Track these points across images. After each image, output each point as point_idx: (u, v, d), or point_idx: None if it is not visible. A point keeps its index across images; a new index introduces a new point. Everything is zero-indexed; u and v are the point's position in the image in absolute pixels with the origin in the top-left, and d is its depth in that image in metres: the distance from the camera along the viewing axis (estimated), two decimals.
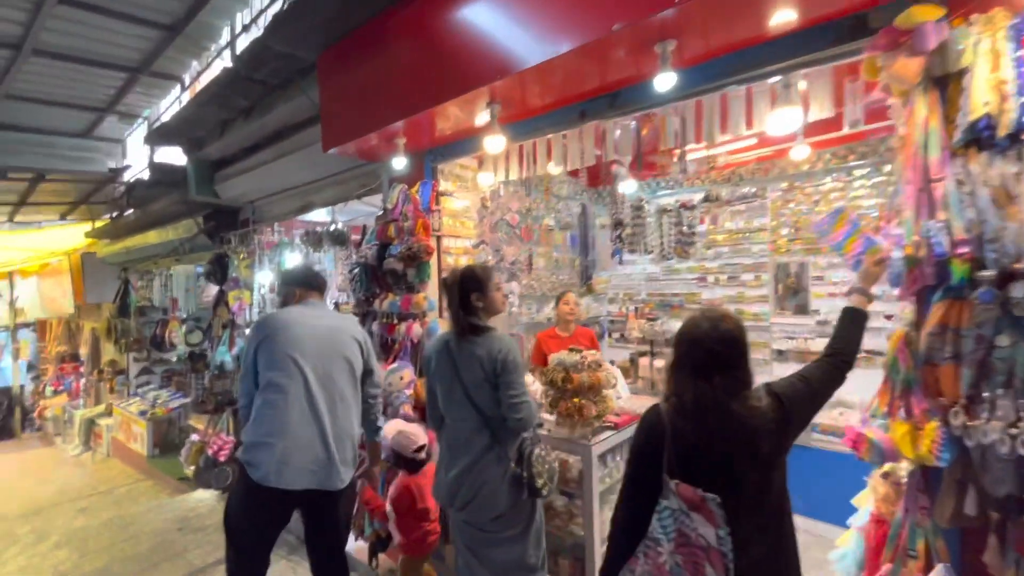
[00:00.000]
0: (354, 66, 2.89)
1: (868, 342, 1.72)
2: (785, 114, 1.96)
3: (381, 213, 3.43)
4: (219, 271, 5.06)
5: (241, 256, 4.78)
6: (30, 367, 13.72)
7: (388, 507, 2.73)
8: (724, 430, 1.26)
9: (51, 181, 5.51)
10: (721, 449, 1.26)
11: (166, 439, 7.45)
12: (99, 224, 8.43)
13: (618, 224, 4.16)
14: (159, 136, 4.64)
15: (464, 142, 2.98)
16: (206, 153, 4.87)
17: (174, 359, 8.75)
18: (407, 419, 2.93)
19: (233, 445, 4.70)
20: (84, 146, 5.35)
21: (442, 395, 2.11)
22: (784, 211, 4.15)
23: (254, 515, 2.16)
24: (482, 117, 2.57)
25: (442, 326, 3.10)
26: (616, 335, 5.08)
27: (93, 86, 4.13)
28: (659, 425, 1.34)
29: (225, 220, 5.37)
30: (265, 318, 2.32)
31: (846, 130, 2.17)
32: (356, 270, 3.15)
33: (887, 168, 3.52)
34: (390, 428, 2.75)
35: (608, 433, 2.59)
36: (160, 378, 8.76)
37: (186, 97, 4.35)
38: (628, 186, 4.14)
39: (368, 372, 2.43)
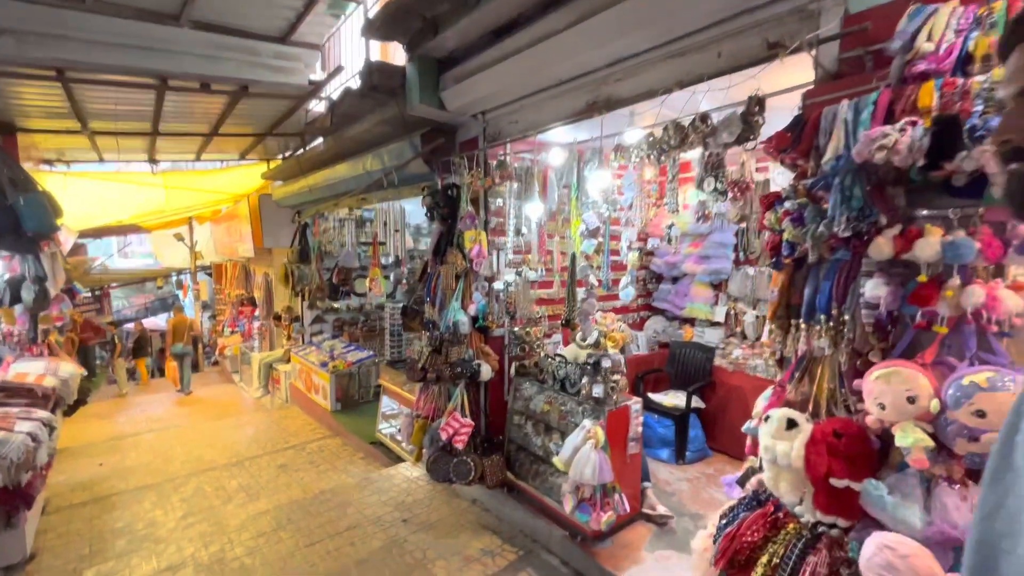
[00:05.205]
0: None
1: None
2: None
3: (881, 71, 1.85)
4: (446, 206, 3.90)
5: (489, 185, 3.54)
6: (205, 307, 14.91)
7: None
8: None
9: (251, 97, 4.73)
10: None
11: (347, 394, 6.96)
12: (275, 164, 7.98)
13: None
14: (387, 17, 3.44)
15: None
16: (438, 43, 3.62)
17: (344, 308, 8.31)
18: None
19: (471, 431, 3.65)
20: (285, 53, 4.46)
21: None
22: None
23: None
24: None
25: None
26: None
27: None
28: None
29: (446, 141, 4.18)
30: None
31: None
32: (836, 180, 1.62)
33: None
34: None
35: None
36: (332, 327, 8.40)
37: None
38: None
39: None
